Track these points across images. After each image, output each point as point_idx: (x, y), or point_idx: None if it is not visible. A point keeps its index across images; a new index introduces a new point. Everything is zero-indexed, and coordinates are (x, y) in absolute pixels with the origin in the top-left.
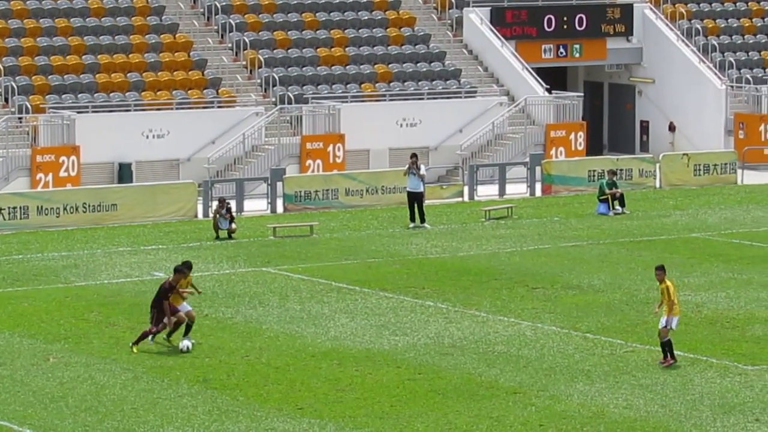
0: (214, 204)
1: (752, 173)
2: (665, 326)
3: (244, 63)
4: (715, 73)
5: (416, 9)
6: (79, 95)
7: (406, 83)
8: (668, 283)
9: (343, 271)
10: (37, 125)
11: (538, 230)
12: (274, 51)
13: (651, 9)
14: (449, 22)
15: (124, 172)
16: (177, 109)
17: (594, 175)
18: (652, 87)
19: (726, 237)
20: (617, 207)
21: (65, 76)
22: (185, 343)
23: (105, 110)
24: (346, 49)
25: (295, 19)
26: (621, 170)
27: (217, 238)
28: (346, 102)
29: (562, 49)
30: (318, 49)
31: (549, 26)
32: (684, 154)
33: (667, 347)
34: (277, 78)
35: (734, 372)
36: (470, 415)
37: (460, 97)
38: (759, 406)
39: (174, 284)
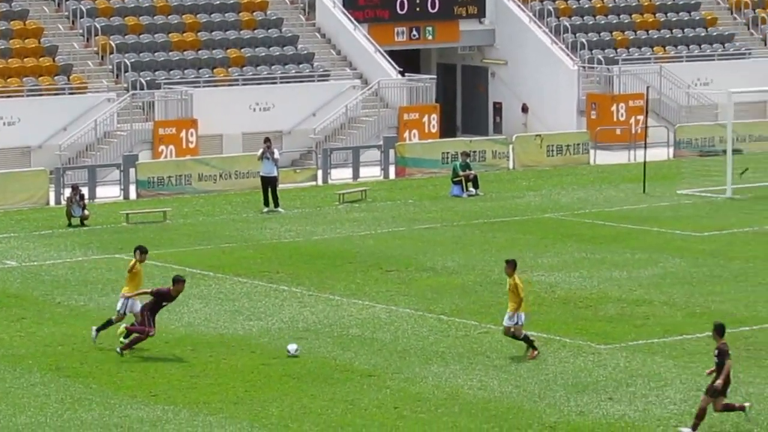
0: (67, 191)
1: (604, 153)
2: (516, 323)
3: (96, 49)
4: (567, 54)
5: None
6: None
7: (258, 67)
8: (517, 279)
9: (197, 256)
10: None
11: (392, 213)
12: (126, 36)
13: None
14: (302, 5)
15: None
16: (28, 96)
17: (447, 158)
18: (505, 69)
19: (579, 217)
20: (471, 189)
21: None
22: (293, 347)
23: None
24: (198, 33)
25: (147, 4)
26: (474, 152)
27: (70, 225)
28: (199, 87)
29: (414, 32)
30: (170, 34)
31: (401, 9)
32: (537, 135)
33: (527, 341)
34: (129, 64)
35: (587, 351)
36: (325, 398)
37: (313, 81)
38: (612, 385)
39: (175, 295)
